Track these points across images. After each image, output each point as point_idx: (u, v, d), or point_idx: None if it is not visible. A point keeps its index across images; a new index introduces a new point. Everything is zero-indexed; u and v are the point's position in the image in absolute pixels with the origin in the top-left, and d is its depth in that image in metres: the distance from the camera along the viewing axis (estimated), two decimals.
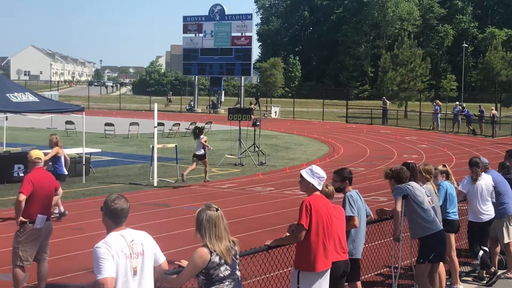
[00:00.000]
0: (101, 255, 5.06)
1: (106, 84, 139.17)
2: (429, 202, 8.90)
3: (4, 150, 23.10)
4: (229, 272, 5.51)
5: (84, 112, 21.85)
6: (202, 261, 5.41)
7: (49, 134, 16.46)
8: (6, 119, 26.00)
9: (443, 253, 8.97)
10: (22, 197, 9.02)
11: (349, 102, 60.49)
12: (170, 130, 38.13)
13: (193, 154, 21.39)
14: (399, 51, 58.98)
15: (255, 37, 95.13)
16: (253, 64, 77.18)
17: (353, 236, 8.10)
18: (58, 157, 15.43)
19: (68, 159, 16.37)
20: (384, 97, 56.26)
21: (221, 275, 5.47)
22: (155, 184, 20.31)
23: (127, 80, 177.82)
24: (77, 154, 22.83)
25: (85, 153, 21.66)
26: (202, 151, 20.86)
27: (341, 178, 8.21)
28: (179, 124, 39.00)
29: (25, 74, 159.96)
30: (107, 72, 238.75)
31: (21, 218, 9.11)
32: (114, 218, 5.29)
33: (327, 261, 6.92)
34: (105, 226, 5.35)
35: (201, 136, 20.93)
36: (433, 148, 33.99)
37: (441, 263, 9.19)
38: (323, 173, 6.99)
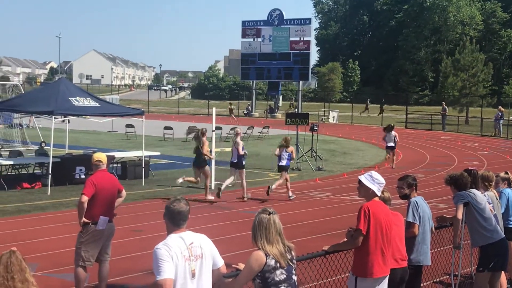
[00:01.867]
0: (160, 256, 5.12)
1: (165, 88, 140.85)
2: (490, 210, 8.73)
3: (66, 152, 23.60)
4: (285, 276, 5.50)
5: (144, 116, 22.16)
6: (258, 264, 5.42)
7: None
8: (69, 122, 26.55)
9: (505, 262, 8.78)
10: (84, 198, 9.19)
11: (408, 107, 59.75)
12: (228, 134, 38.36)
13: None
14: (461, 56, 58.01)
15: (313, 42, 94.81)
16: (311, 68, 76.99)
17: (419, 243, 8.00)
18: None
19: None
20: (443, 103, 55.43)
21: (277, 279, 5.46)
22: (213, 187, 20.43)
23: (185, 85, 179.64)
24: (136, 157, 23.17)
25: (145, 156, 21.96)
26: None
27: (408, 185, 8.15)
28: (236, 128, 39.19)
29: (87, 78, 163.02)
30: (167, 76, 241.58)
31: (83, 219, 9.28)
32: (173, 220, 5.36)
33: (385, 268, 6.85)
34: (166, 227, 5.42)
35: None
36: (494, 155, 33.30)
37: (503, 272, 9.00)
38: (382, 179, 6.94)
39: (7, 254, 4.46)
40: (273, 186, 18.56)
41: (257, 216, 5.57)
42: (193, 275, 5.26)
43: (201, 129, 18.95)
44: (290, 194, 18.75)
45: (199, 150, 18.40)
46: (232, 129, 38.06)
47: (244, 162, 18.92)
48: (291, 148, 19.10)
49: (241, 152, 18.61)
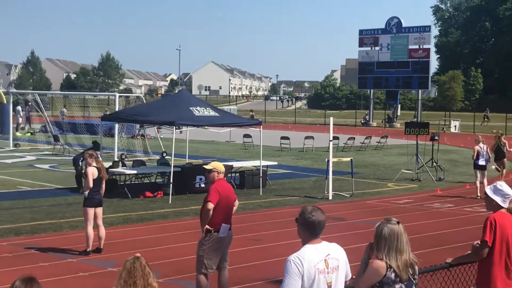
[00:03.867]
0: (289, 271, 4.95)
1: (282, 98, 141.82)
2: None
3: (187, 162, 24.14)
4: None
5: (261, 126, 22.35)
6: (378, 274, 5.26)
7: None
8: (181, 132, 27.06)
9: None
10: (211, 206, 9.30)
11: None
12: (345, 144, 38.06)
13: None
14: None
15: (433, 50, 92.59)
16: (431, 77, 75.26)
17: None
18: None
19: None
20: None
21: None
22: (330, 198, 20.30)
23: (302, 94, 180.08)
24: (254, 166, 23.39)
25: (262, 166, 22.12)
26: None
27: None
28: (354, 138, 38.84)
29: (205, 89, 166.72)
30: (283, 87, 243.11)
31: (206, 226, 9.42)
32: (310, 230, 5.18)
33: (509, 282, 6.55)
34: (301, 238, 5.24)
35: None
36: None
37: None
38: (508, 190, 6.63)
39: (131, 260, 4.56)
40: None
41: (384, 226, 5.36)
42: None
43: None
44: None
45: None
46: (367, 137, 37.70)
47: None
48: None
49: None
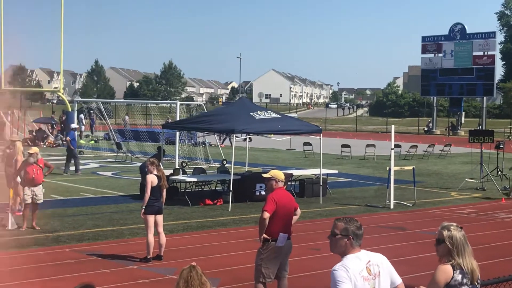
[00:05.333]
0: (338, 278, 5.08)
1: (343, 106, 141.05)
2: None
3: (246, 170, 24.17)
4: None
5: (321, 134, 22.22)
6: (445, 277, 5.34)
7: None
8: (250, 140, 27.19)
9: None
10: (266, 215, 9.26)
11: None
12: (407, 152, 37.51)
13: None
14: None
15: (498, 56, 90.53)
16: (496, 84, 73.62)
17: None
18: None
19: None
20: None
21: None
22: (392, 207, 20.00)
23: (363, 102, 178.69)
24: (314, 175, 23.25)
25: (322, 174, 21.97)
26: None
27: None
28: (416, 146, 38.25)
29: (266, 97, 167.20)
30: (344, 94, 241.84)
31: (264, 235, 9.37)
32: (352, 240, 5.31)
33: None
34: (339, 249, 5.36)
35: None
36: None
37: None
38: None
39: (188, 269, 4.55)
40: None
41: (450, 230, 5.51)
42: None
43: None
44: None
45: None
46: (430, 145, 37.14)
47: None
48: None
49: None
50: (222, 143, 39.07)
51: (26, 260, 12.73)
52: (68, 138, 27.93)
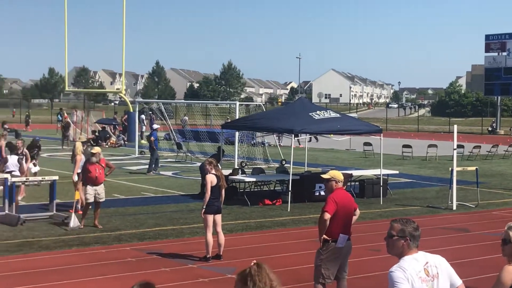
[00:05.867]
0: (396, 279, 5.05)
1: (404, 105, 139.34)
2: None
3: (305, 170, 24.08)
4: None
5: (382, 134, 21.97)
6: (511, 277, 5.21)
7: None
8: (310, 140, 27.09)
9: None
10: (327, 216, 9.19)
11: None
12: (470, 152, 36.77)
13: None
14: None
15: None
16: None
17: None
18: None
19: None
20: None
21: None
22: (454, 208, 19.63)
23: (425, 102, 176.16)
24: (374, 175, 23.00)
25: (383, 175, 21.72)
26: None
27: None
28: (479, 146, 37.48)
29: (325, 97, 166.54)
30: (405, 94, 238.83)
31: (324, 236, 9.31)
32: (409, 242, 5.26)
33: None
34: (397, 251, 5.32)
35: None
36: None
37: None
38: None
39: (255, 266, 4.43)
40: None
41: None
42: None
43: None
44: None
45: None
46: (494, 146, 36.38)
47: None
48: None
49: None
50: (299, 144, 39.52)
51: (88, 258, 12.96)
52: (152, 138, 28.36)
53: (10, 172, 17.86)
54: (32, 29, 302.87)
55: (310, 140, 42.44)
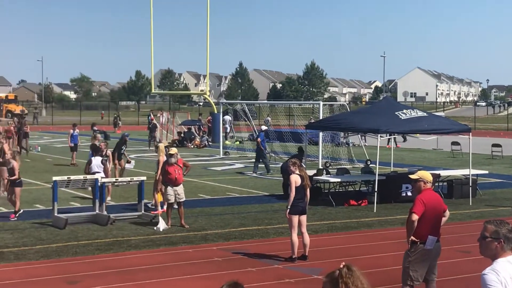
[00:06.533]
0: (489, 282, 4.91)
1: (493, 103, 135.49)
2: None
3: (392, 170, 23.74)
4: None
5: (470, 133, 21.42)
6: None
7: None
8: (405, 140, 26.58)
9: None
10: (415, 217, 9.04)
11: None
12: None
13: None
14: None
15: None
16: None
17: None
18: None
19: None
20: None
21: None
22: None
23: None
24: (463, 175, 22.44)
25: (472, 175, 21.17)
26: None
27: None
28: None
29: (411, 96, 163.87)
30: (494, 92, 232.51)
31: (412, 237, 9.15)
32: (503, 244, 5.13)
33: None
34: (491, 252, 5.19)
35: None
36: None
37: None
38: None
39: (345, 268, 4.37)
40: None
41: None
42: None
43: None
44: None
45: None
46: None
47: None
48: None
49: None
50: (388, 144, 39.54)
51: (176, 257, 13.17)
52: (258, 139, 28.64)
53: (94, 173, 18.36)
54: (119, 33, 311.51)
55: (405, 140, 41.95)
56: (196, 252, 13.65)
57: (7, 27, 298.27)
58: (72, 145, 30.68)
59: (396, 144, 37.82)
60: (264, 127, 31.31)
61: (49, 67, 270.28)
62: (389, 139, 36.47)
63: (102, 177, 17.76)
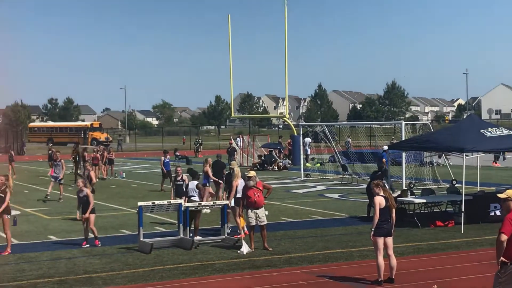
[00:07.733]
0: None
1: None
2: None
3: (479, 189, 23.11)
4: None
5: None
6: None
7: None
8: (504, 159, 25.82)
9: None
10: (504, 237, 8.77)
11: None
12: None
13: None
14: None
15: None
16: None
17: None
18: None
19: None
20: None
21: None
22: None
23: None
24: None
25: None
26: None
27: None
28: None
29: (496, 113, 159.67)
30: None
31: (502, 258, 8.86)
32: None
33: None
34: None
35: None
36: None
37: None
38: None
39: None
40: None
41: None
42: None
43: None
44: None
45: None
46: None
47: None
48: None
49: None
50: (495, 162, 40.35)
51: (261, 281, 13.15)
52: (383, 159, 28.36)
53: (189, 197, 18.68)
54: (198, 59, 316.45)
55: (504, 159, 41.60)
56: (280, 275, 13.60)
57: (91, 57, 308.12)
58: (166, 171, 31.06)
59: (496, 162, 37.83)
60: (385, 147, 30.61)
61: (131, 95, 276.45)
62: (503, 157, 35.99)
63: (197, 201, 18.19)
